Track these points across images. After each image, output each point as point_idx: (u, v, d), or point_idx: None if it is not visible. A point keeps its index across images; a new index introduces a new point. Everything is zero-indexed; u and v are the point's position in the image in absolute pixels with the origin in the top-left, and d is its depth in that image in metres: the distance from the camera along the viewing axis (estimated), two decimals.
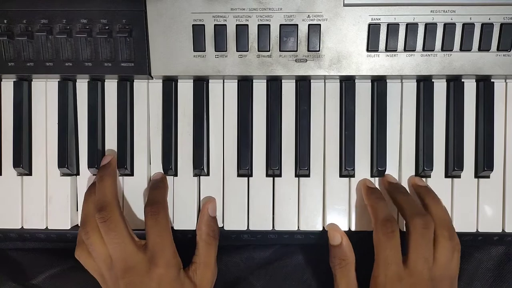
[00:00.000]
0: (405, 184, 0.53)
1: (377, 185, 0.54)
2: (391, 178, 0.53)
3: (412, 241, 0.48)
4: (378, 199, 0.51)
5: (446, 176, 0.54)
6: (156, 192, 0.52)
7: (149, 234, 0.49)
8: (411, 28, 0.50)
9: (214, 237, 0.52)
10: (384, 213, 0.49)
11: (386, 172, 0.53)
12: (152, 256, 0.47)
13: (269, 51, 0.51)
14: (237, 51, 0.51)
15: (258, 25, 0.50)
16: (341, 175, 0.54)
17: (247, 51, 0.51)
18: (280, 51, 0.51)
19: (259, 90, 0.54)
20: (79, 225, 0.53)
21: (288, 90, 0.54)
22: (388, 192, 0.52)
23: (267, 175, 0.54)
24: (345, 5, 0.50)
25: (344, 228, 0.53)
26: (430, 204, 0.51)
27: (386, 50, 0.51)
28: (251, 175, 0.54)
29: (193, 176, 0.54)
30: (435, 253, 0.48)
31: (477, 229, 0.53)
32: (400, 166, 0.54)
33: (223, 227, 0.54)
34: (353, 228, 0.53)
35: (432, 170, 0.53)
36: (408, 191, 0.52)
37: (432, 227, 0.48)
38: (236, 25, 0.50)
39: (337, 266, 0.50)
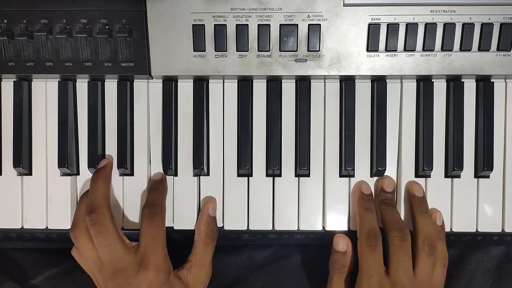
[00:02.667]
0: (403, 187, 0.53)
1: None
2: (387, 185, 0.52)
3: (391, 252, 0.49)
4: (367, 210, 0.51)
5: (446, 176, 0.54)
6: (155, 194, 0.52)
7: (143, 235, 0.49)
8: (411, 28, 0.50)
9: (212, 237, 0.52)
10: (369, 226, 0.50)
11: (386, 173, 0.53)
12: (142, 259, 0.48)
13: (269, 51, 0.51)
14: (237, 51, 0.51)
15: (258, 25, 0.50)
16: (341, 175, 0.54)
17: (247, 51, 0.51)
18: (280, 51, 0.51)
19: (259, 90, 0.54)
20: None
21: (288, 90, 0.54)
22: (375, 199, 0.53)
23: (267, 175, 0.54)
24: (345, 5, 0.50)
25: (344, 227, 0.53)
26: (417, 217, 0.51)
27: (386, 50, 0.51)
28: (251, 175, 0.54)
29: (193, 176, 0.54)
30: (415, 266, 0.49)
31: (476, 229, 0.53)
32: (400, 166, 0.54)
33: (223, 226, 0.54)
34: (352, 228, 0.53)
35: (431, 170, 0.53)
36: (404, 195, 0.53)
37: (408, 239, 0.49)
38: (236, 25, 0.50)
39: (337, 271, 0.51)
